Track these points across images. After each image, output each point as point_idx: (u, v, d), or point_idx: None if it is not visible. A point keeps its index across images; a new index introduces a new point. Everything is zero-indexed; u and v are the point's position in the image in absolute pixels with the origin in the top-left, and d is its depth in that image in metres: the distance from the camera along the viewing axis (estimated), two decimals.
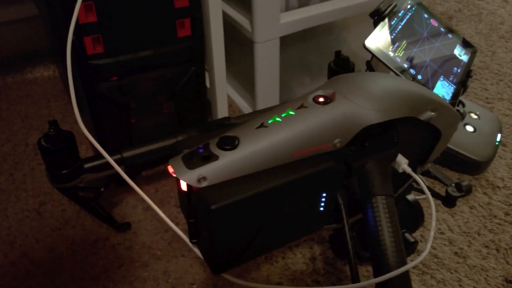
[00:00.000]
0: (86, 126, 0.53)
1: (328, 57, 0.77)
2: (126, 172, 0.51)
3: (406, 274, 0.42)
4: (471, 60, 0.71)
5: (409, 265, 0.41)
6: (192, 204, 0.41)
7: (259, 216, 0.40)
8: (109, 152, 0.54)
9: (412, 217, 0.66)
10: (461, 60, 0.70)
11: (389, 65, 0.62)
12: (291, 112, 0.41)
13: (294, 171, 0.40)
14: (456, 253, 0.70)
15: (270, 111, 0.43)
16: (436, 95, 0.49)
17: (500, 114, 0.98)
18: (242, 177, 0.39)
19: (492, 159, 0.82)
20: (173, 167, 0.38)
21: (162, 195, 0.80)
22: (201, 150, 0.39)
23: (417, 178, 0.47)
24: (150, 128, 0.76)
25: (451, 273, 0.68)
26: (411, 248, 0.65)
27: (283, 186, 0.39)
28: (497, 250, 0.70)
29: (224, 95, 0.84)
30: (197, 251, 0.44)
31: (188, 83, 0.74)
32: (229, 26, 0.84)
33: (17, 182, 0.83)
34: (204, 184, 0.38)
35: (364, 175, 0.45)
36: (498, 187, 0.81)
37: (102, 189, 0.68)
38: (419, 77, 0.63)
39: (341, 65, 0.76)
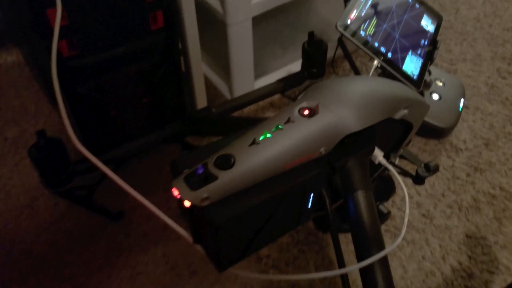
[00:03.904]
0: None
1: (299, 29, 0.78)
2: (115, 169, 0.53)
3: (385, 258, 0.49)
4: (437, 29, 0.75)
5: (386, 250, 0.47)
6: (195, 215, 0.45)
7: (258, 222, 0.45)
8: (96, 153, 0.55)
9: (386, 189, 0.73)
10: (428, 31, 0.74)
11: (361, 46, 0.64)
12: (280, 127, 0.45)
13: (286, 181, 0.44)
14: (423, 215, 0.79)
15: (259, 125, 0.46)
16: (409, 91, 0.53)
17: (463, 75, 1.04)
18: (240, 192, 0.43)
19: (456, 124, 0.89)
20: (178, 190, 0.42)
21: (150, 183, 0.83)
22: (200, 171, 0.42)
23: (392, 169, 0.53)
24: (131, 120, 0.77)
25: (419, 233, 0.76)
26: (384, 218, 0.73)
27: (277, 196, 0.44)
28: (459, 209, 0.79)
29: (201, 79, 0.85)
30: (200, 249, 0.48)
31: (165, 73, 0.75)
32: (201, 8, 0.83)
33: (4, 178, 0.83)
34: (207, 202, 0.42)
35: (346, 172, 0.50)
36: (461, 149, 0.89)
37: (96, 186, 0.71)
38: (389, 54, 0.66)
39: (314, 47, 0.78)
